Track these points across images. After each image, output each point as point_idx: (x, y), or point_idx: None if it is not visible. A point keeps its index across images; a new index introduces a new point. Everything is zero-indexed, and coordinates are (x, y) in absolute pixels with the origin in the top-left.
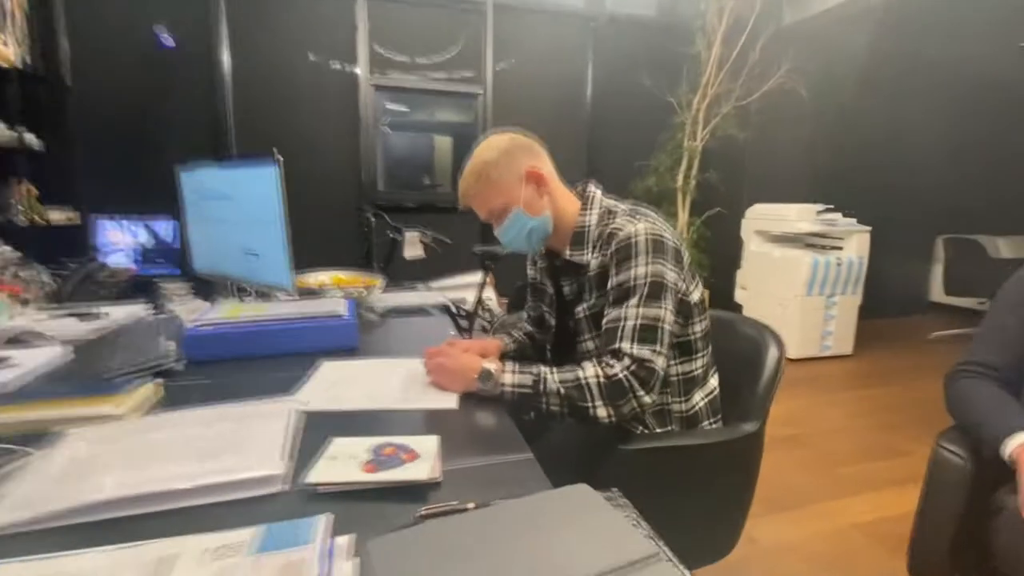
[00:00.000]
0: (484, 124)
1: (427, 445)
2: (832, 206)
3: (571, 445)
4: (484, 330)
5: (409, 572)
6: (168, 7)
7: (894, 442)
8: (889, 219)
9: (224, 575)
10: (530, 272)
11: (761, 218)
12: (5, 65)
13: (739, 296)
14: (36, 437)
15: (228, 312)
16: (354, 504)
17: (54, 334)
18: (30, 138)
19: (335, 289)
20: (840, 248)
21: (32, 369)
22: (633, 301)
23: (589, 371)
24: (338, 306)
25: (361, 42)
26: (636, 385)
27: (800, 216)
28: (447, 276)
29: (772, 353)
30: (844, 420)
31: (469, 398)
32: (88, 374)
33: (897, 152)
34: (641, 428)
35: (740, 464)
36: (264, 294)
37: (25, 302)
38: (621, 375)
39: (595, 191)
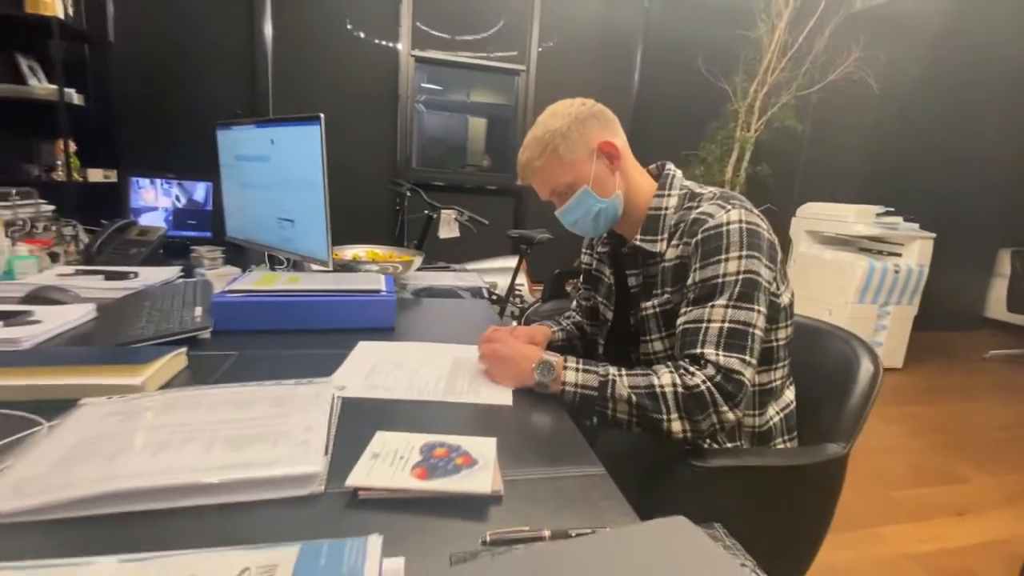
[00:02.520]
0: (525, 106)
1: (484, 449)
2: (892, 209)
3: (633, 453)
4: (514, 317)
5: None
6: None
7: (949, 466)
8: (949, 226)
9: None
10: (585, 258)
11: (814, 217)
12: (47, 14)
13: None
14: (48, 406)
15: (261, 280)
16: (402, 516)
17: (80, 292)
18: (70, 93)
19: (370, 264)
20: (899, 255)
21: (52, 328)
22: (721, 301)
23: (665, 378)
24: (378, 281)
25: (404, 16)
26: (719, 399)
27: (859, 218)
28: (479, 259)
29: (866, 367)
30: (894, 439)
31: (526, 394)
32: (109, 338)
33: (962, 155)
34: (709, 442)
35: (822, 489)
36: (298, 265)
37: (54, 256)
38: (703, 387)
39: (674, 171)
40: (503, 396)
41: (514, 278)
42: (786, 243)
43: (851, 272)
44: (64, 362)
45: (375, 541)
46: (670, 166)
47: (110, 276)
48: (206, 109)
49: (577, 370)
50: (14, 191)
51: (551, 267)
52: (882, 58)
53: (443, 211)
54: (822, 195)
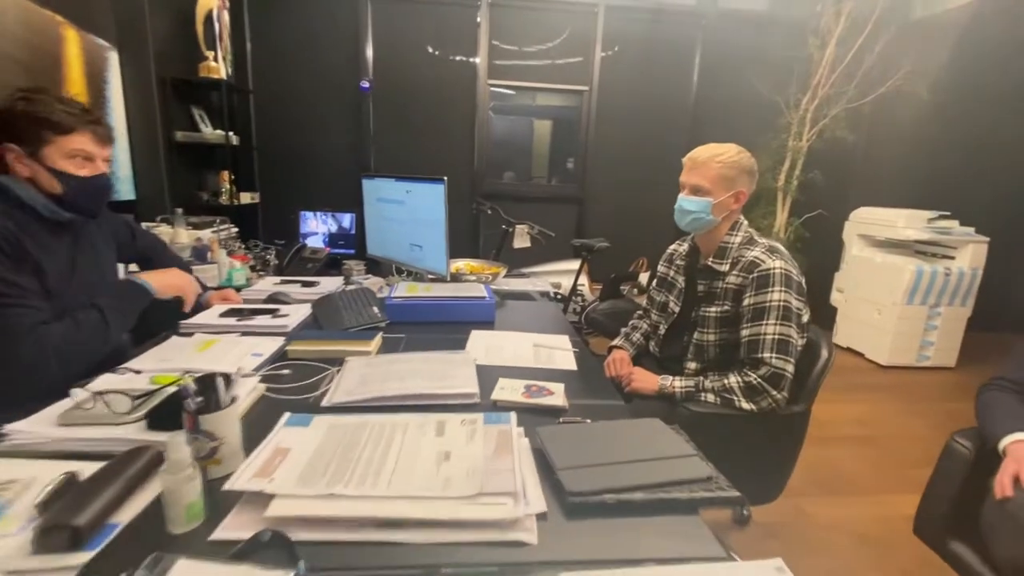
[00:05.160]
0: (589, 113)
1: (558, 387)
2: (948, 212)
3: (650, 405)
4: (576, 313)
5: (561, 446)
6: (327, 16)
7: None
8: (1015, 228)
9: (474, 434)
10: (661, 268)
11: (865, 222)
12: (216, 77)
13: (834, 299)
14: (330, 360)
15: (408, 289)
16: (518, 414)
17: (294, 296)
18: (231, 136)
19: (470, 275)
20: (952, 258)
21: (296, 319)
22: (771, 320)
23: (732, 379)
24: (481, 289)
25: (482, 37)
26: (769, 388)
27: (909, 223)
28: (545, 262)
29: (823, 355)
30: (926, 429)
31: (583, 364)
32: (333, 325)
33: None
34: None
35: (788, 436)
36: (418, 275)
37: (253, 268)
38: (755, 382)
39: (743, 220)
40: (570, 364)
41: (576, 280)
42: (839, 245)
43: (899, 274)
44: (330, 338)
45: (513, 414)
46: (741, 216)
47: (305, 284)
48: (323, 139)
49: (682, 379)
50: (217, 220)
51: (608, 271)
52: (935, 68)
53: (517, 225)
54: (878, 200)
